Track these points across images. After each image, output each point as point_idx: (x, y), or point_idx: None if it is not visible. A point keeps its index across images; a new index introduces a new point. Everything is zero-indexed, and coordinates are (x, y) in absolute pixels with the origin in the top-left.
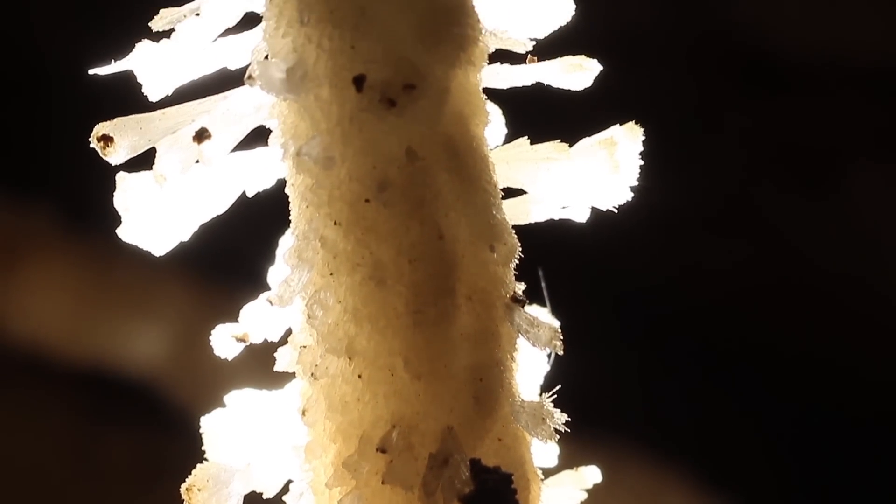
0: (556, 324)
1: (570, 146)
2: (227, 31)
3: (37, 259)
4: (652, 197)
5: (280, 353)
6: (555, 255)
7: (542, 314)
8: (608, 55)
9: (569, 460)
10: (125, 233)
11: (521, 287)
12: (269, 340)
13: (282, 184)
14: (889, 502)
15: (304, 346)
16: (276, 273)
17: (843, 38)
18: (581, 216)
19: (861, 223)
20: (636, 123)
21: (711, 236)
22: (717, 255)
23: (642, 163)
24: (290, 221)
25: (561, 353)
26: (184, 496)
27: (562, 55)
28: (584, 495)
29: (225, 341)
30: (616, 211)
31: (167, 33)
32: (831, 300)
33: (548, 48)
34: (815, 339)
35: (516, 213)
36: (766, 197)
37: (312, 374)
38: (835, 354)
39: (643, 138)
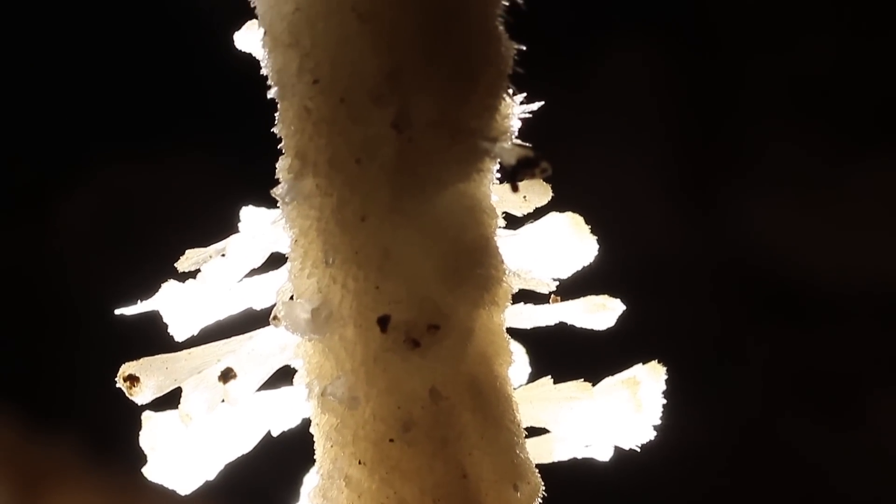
0: None
1: (593, 385)
2: (253, 272)
3: (61, 492)
4: (674, 434)
5: None
6: (578, 494)
7: None
8: (630, 290)
9: None
10: (151, 472)
11: None
12: None
13: (307, 423)
14: None
15: None
16: None
17: (862, 266)
18: (604, 455)
19: (884, 451)
20: (658, 362)
21: (734, 468)
22: (741, 486)
23: (665, 401)
24: (314, 460)
25: None
26: None
27: (585, 293)
28: None
29: None
30: (639, 449)
31: (193, 274)
32: None
33: (570, 285)
34: None
35: (540, 451)
36: (788, 426)
37: None
38: None
39: (665, 377)
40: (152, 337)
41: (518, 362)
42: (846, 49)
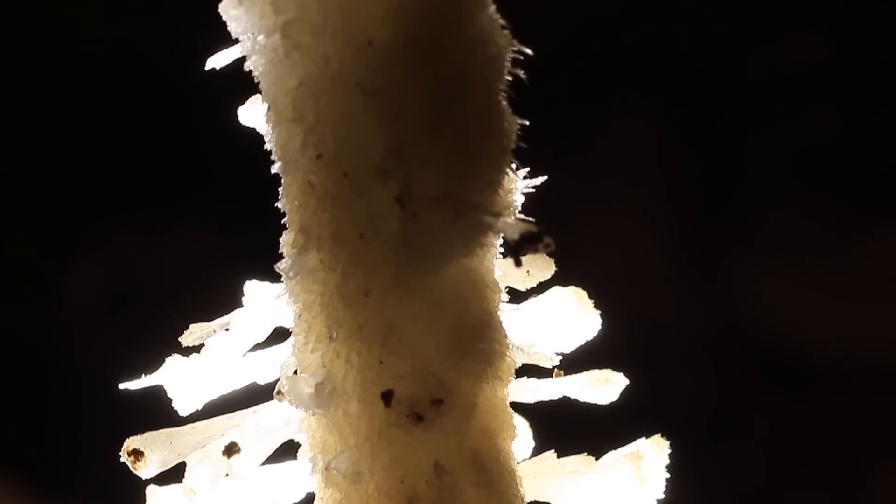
0: None
1: (597, 459)
2: (257, 346)
3: None
4: None
5: None
6: None
7: None
8: (634, 364)
9: None
10: None
11: None
12: None
13: (311, 497)
14: None
15: None
16: None
17: (864, 336)
18: None
19: None
20: (661, 436)
21: None
22: None
23: (668, 475)
24: None
25: None
26: None
27: (588, 367)
28: None
29: None
30: None
31: (197, 348)
32: None
33: (574, 359)
34: None
35: None
36: (791, 497)
37: None
38: None
39: (669, 450)
40: (156, 411)
41: (521, 436)
42: (850, 120)
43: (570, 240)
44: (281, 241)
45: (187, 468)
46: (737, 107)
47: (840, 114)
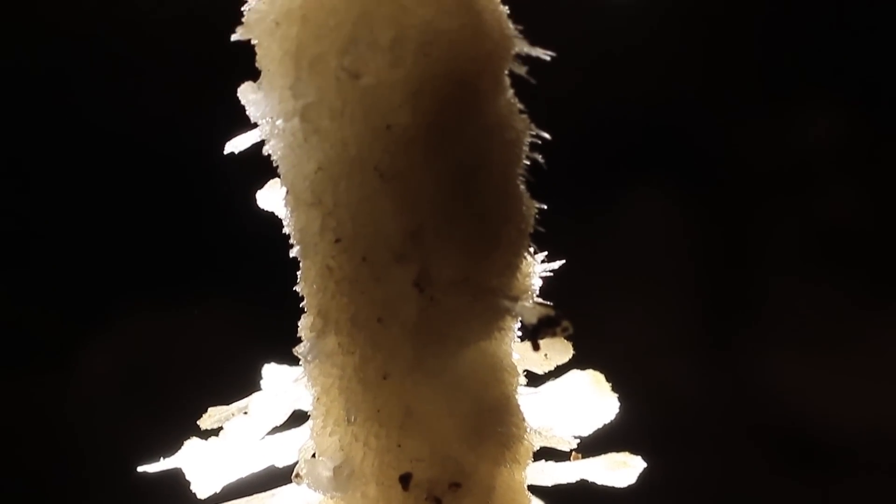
0: None
1: None
2: (275, 430)
3: None
4: None
5: None
6: None
7: None
8: (652, 446)
9: None
10: None
11: None
12: None
13: None
14: None
15: None
16: None
17: (889, 416)
18: None
19: None
20: None
21: None
22: None
23: None
24: None
25: None
26: None
27: (606, 450)
28: None
29: None
30: None
31: (216, 431)
32: None
33: (592, 442)
34: None
35: None
36: None
37: None
38: None
39: None
40: (172, 494)
41: None
42: (871, 200)
43: (588, 323)
44: (299, 324)
45: None
46: (757, 187)
47: (860, 193)
